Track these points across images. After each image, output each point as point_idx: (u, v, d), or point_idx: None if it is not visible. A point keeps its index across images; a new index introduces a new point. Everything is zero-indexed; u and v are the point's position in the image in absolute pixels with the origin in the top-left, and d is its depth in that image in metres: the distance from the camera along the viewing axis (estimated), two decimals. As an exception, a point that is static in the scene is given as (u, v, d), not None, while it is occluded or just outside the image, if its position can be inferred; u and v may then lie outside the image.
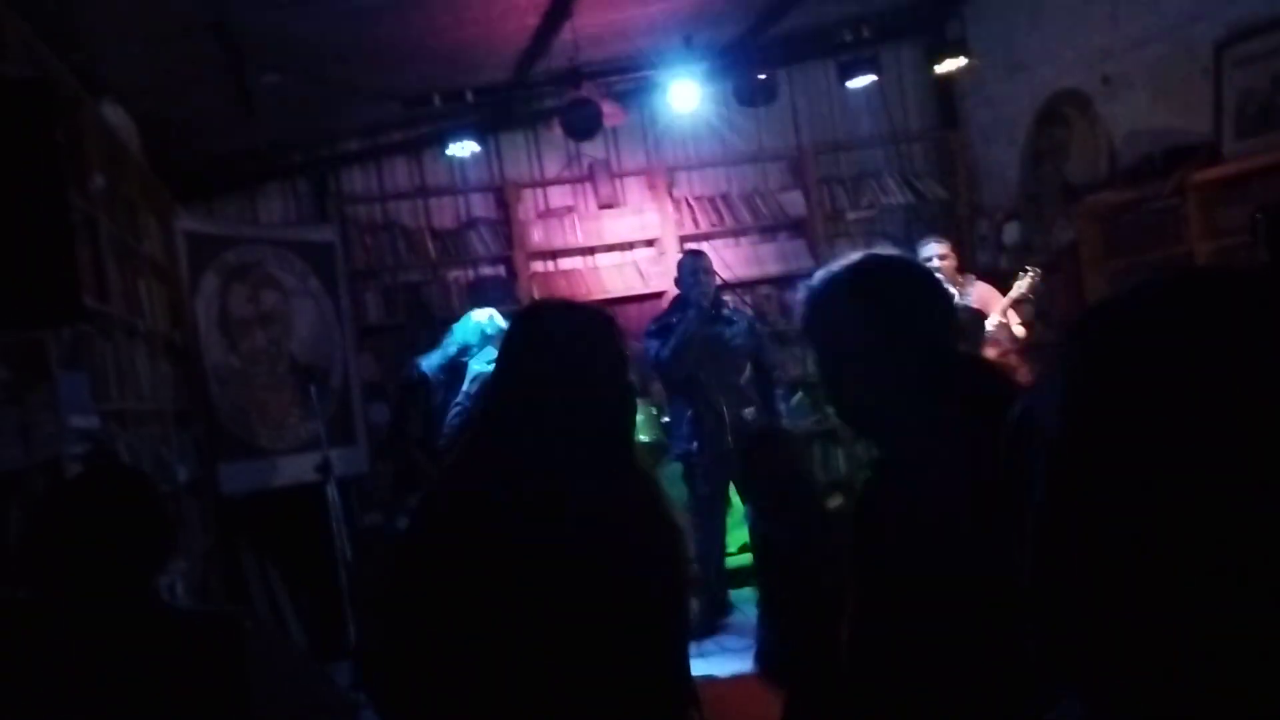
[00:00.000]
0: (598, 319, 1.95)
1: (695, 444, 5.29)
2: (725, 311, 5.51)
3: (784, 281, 7.07)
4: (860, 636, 1.64)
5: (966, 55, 6.34)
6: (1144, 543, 0.67)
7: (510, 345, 1.94)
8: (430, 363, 5.53)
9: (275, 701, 3.63)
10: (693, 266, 5.45)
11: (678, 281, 5.56)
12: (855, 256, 1.77)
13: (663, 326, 5.46)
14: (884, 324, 1.68)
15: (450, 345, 5.48)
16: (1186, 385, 0.68)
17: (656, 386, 5.84)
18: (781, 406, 5.67)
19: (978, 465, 1.61)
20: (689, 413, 5.31)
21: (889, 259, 1.81)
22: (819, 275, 1.78)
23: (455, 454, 1.99)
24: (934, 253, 5.53)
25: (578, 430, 1.81)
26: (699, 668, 3.94)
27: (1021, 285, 5.19)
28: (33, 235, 2.96)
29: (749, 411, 5.29)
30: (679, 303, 5.52)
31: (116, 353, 3.91)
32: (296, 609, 5.50)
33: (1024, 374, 4.62)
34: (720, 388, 5.26)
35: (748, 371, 5.42)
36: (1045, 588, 0.73)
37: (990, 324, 5.20)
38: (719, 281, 5.52)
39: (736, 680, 4.28)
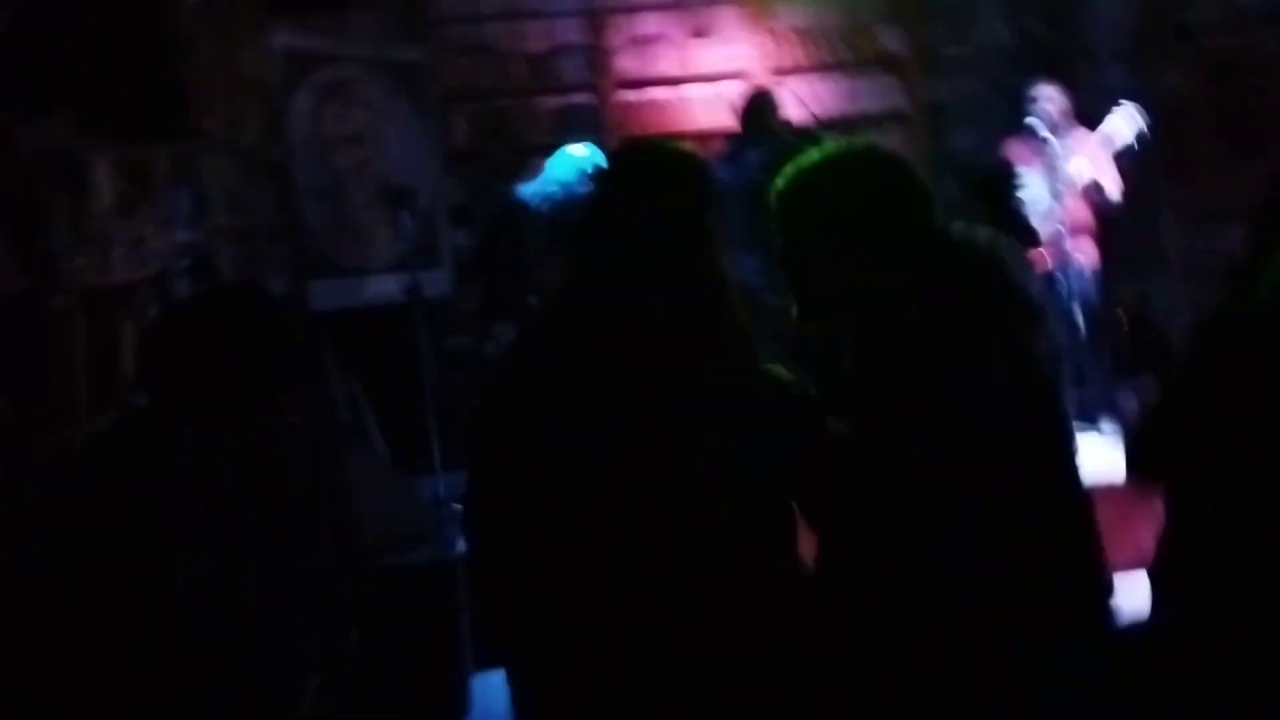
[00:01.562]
0: (688, 163, 1.93)
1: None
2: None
3: (876, 120, 6.91)
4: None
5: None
6: None
7: (600, 191, 1.93)
8: (530, 190, 5.52)
9: (371, 509, 3.84)
10: (759, 103, 5.46)
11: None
12: (831, 148, 1.81)
13: (731, 153, 5.44)
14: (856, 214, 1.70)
15: (550, 183, 5.45)
16: None
17: None
18: None
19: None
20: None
21: (863, 150, 1.81)
22: (790, 169, 1.79)
23: (546, 302, 1.98)
24: (1043, 94, 5.37)
25: (667, 280, 1.80)
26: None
27: (1123, 126, 5.03)
28: (141, 52, 3.01)
29: None
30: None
31: (215, 168, 3.99)
32: (381, 425, 5.69)
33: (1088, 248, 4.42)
34: None
35: None
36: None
37: (1081, 176, 5.05)
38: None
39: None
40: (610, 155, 1.98)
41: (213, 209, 3.85)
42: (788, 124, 5.51)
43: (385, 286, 5.75)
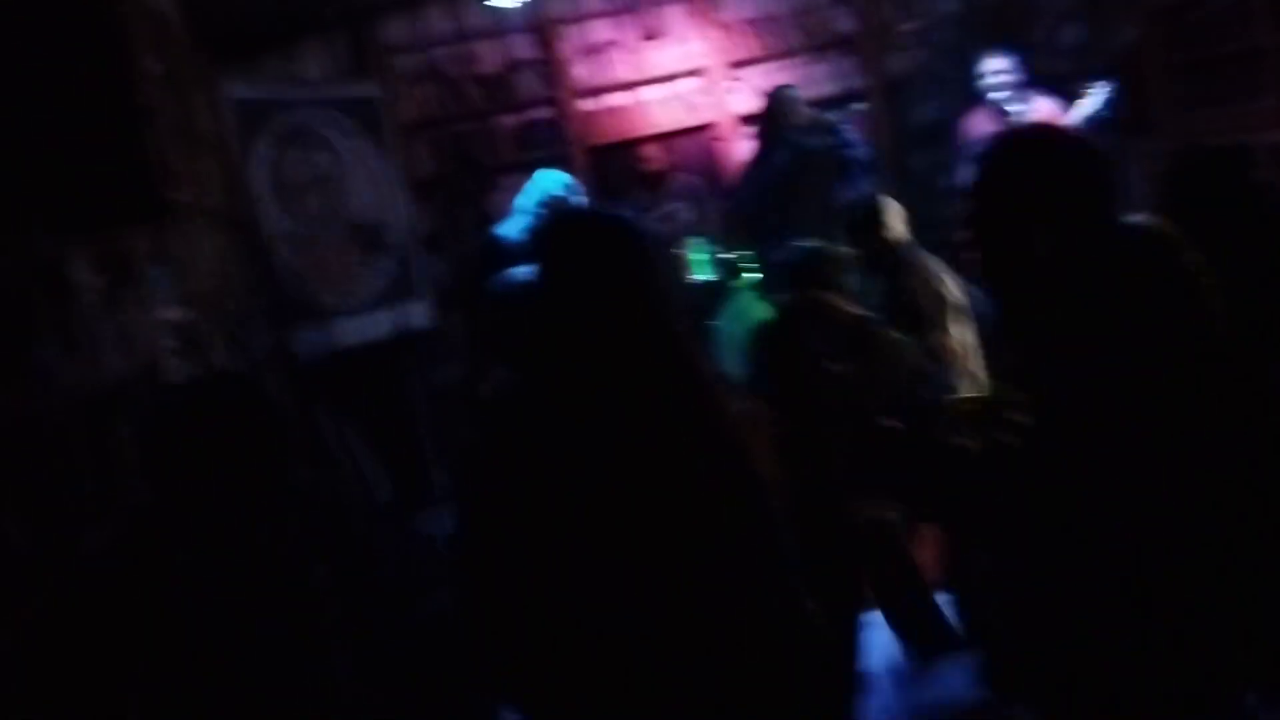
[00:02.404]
0: (622, 230, 1.95)
1: None
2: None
3: (836, 102, 6.91)
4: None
5: None
6: None
7: (545, 261, 1.94)
8: (506, 228, 5.51)
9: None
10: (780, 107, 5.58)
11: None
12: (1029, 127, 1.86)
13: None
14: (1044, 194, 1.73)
15: (524, 214, 5.43)
16: None
17: None
18: None
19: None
20: None
21: (1059, 135, 1.86)
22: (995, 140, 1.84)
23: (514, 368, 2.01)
24: (995, 67, 5.36)
25: (618, 343, 1.83)
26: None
27: (1093, 100, 5.04)
28: (105, 133, 2.97)
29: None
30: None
31: (188, 237, 3.95)
32: (381, 464, 5.67)
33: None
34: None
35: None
36: None
37: None
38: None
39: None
40: (545, 229, 2.00)
41: (192, 280, 3.81)
42: (812, 115, 5.56)
43: (365, 326, 5.72)
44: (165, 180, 3.58)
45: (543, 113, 6.75)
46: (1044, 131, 1.86)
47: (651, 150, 6.29)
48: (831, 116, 5.50)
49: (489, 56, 6.71)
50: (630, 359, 1.83)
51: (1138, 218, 1.79)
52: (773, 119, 5.51)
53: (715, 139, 6.79)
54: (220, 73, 5.61)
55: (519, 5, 6.33)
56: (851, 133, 5.49)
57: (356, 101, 6.11)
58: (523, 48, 6.72)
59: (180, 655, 2.03)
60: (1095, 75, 5.19)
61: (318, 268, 5.73)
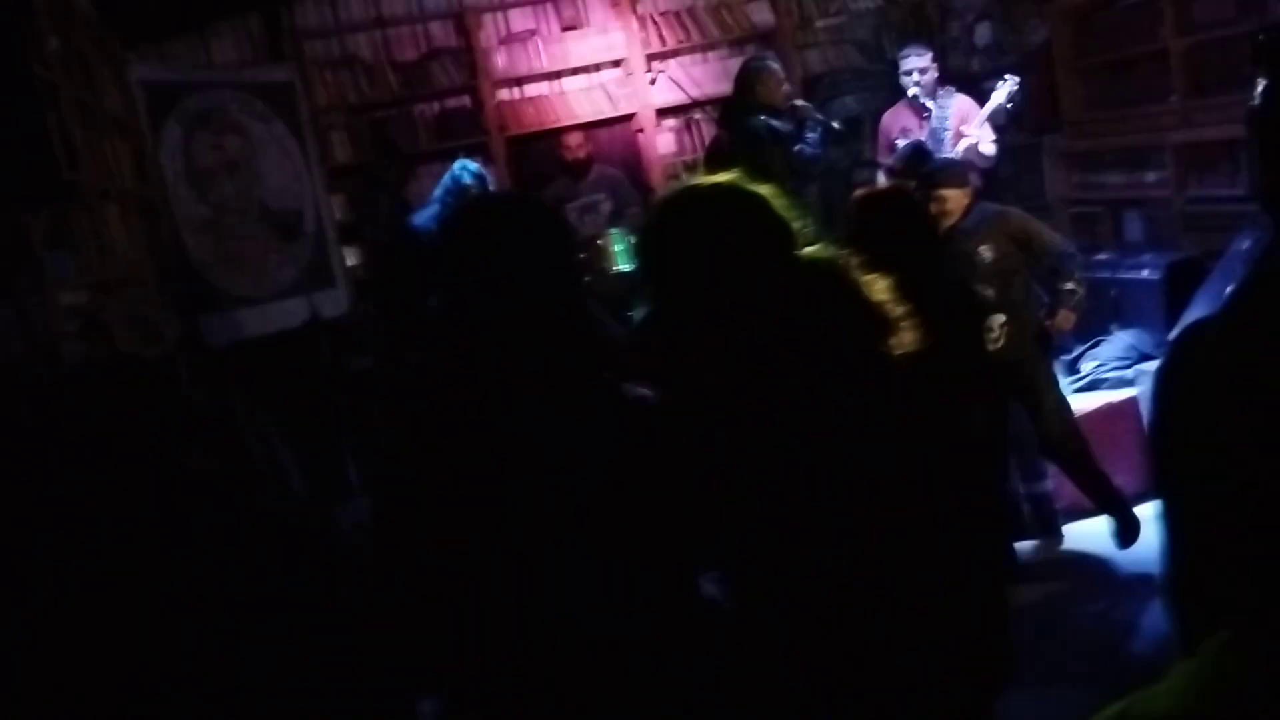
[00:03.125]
0: (535, 211, 1.95)
1: None
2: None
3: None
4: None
5: None
6: None
7: (454, 245, 1.93)
8: (422, 217, 5.46)
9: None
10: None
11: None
12: (677, 190, 1.92)
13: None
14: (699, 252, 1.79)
15: (436, 204, 5.39)
16: None
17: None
18: None
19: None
20: None
21: (706, 192, 1.87)
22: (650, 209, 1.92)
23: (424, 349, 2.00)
24: (915, 66, 5.44)
25: (528, 324, 1.83)
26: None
27: (1000, 95, 5.14)
28: (1, 111, 2.89)
29: None
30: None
31: (93, 220, 3.85)
32: (297, 454, 5.59)
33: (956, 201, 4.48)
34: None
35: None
36: None
37: (960, 148, 5.15)
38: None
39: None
40: (458, 211, 1.97)
41: (94, 264, 3.71)
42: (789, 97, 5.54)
43: (279, 314, 5.63)
44: (66, 161, 3.50)
45: (462, 101, 6.70)
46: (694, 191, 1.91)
47: (572, 140, 6.27)
48: (809, 107, 5.46)
49: (407, 43, 6.64)
50: (540, 340, 1.82)
51: (816, 249, 1.84)
52: (741, 93, 5.48)
53: (635, 130, 6.80)
54: (129, 54, 5.49)
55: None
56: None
57: (271, 86, 6.00)
58: (442, 35, 6.67)
59: (54, 640, 1.99)
60: (1006, 72, 5.29)
61: (230, 254, 5.62)
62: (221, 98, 5.75)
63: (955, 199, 4.27)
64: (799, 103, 5.51)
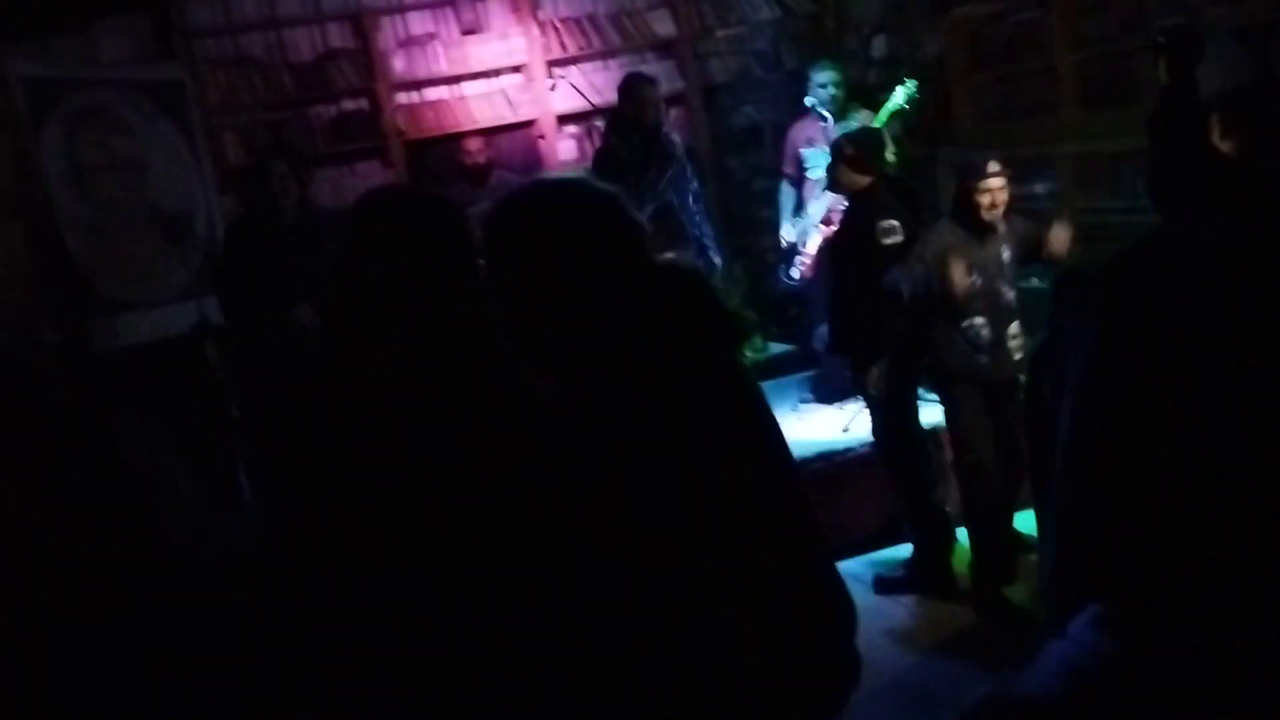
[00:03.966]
0: (438, 209, 1.89)
1: None
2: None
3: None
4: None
5: None
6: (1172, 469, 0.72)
7: (351, 237, 1.85)
8: None
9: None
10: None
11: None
12: (527, 184, 1.83)
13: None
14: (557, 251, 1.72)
15: None
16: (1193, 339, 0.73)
17: None
18: None
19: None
20: None
21: (556, 185, 1.84)
22: (495, 202, 1.81)
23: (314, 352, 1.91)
24: (827, 79, 5.54)
25: (425, 327, 1.77)
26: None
27: (898, 96, 5.23)
28: None
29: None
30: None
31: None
32: (188, 463, 5.42)
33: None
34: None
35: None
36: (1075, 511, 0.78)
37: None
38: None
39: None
40: (358, 204, 1.88)
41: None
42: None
43: (169, 319, 5.46)
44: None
45: (360, 104, 6.59)
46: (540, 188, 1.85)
47: (471, 145, 6.20)
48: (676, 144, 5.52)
49: (303, 44, 6.50)
50: (436, 338, 1.76)
51: (670, 256, 1.82)
52: (620, 106, 5.50)
53: (536, 136, 6.77)
54: (9, 49, 5.28)
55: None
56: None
57: (160, 85, 5.83)
58: (339, 37, 6.55)
59: None
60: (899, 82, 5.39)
61: (116, 257, 5.44)
62: (108, 96, 5.57)
63: (1007, 191, 4.08)
64: (674, 137, 5.54)
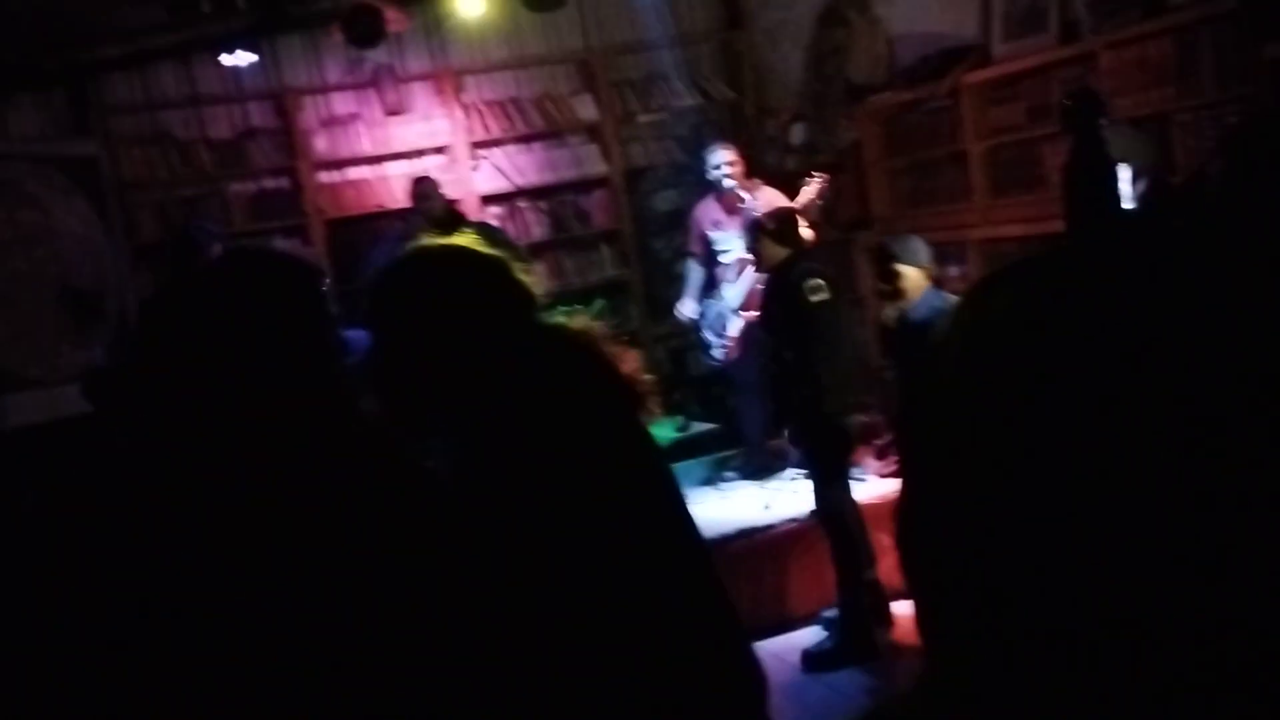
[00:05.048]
0: (296, 271, 1.72)
1: None
2: (464, 228, 5.50)
3: (578, 187, 7.06)
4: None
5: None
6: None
7: (201, 296, 1.64)
8: None
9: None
10: (422, 191, 5.69)
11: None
12: (410, 251, 1.79)
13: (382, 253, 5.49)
14: (437, 317, 1.69)
15: None
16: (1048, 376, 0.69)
17: None
18: None
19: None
20: None
21: (440, 252, 1.79)
22: (378, 272, 1.79)
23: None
24: (721, 159, 5.58)
25: (261, 385, 1.54)
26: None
27: (809, 191, 5.31)
28: None
29: None
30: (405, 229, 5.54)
31: None
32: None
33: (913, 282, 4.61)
34: None
35: None
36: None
37: None
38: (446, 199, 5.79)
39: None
40: (218, 262, 1.78)
41: None
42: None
43: (72, 399, 5.30)
44: None
45: (280, 182, 6.56)
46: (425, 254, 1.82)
47: (393, 224, 6.19)
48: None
49: (223, 122, 6.48)
50: (282, 400, 1.56)
51: (559, 320, 1.80)
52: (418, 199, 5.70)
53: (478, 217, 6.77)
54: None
55: (255, 68, 6.15)
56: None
57: (72, 160, 5.75)
58: (260, 115, 6.54)
59: None
60: (818, 170, 5.48)
61: (21, 334, 5.31)
62: (17, 170, 5.48)
63: (913, 279, 4.19)
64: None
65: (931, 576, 0.61)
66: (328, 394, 1.58)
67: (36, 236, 5.50)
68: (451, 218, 5.46)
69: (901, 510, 0.62)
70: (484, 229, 5.46)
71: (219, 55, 5.97)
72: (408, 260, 1.78)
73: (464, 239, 1.80)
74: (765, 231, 4.52)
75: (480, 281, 1.73)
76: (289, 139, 6.48)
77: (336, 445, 1.55)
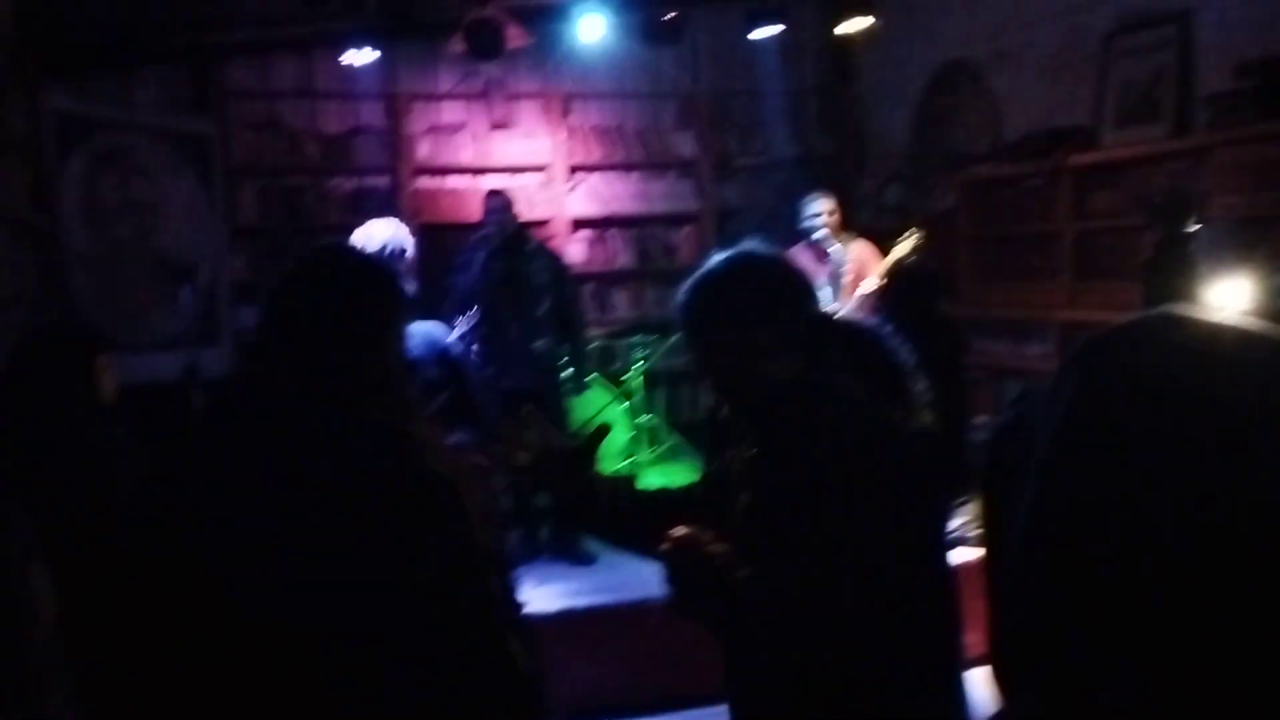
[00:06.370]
0: (372, 270, 1.91)
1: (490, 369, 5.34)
2: (527, 248, 5.53)
3: (668, 220, 7.12)
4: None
5: (870, 14, 6.37)
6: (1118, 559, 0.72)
7: (281, 288, 1.85)
8: None
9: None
10: (498, 207, 5.56)
11: (484, 219, 5.67)
12: (727, 253, 1.98)
13: (465, 261, 5.53)
14: (758, 310, 1.89)
15: None
16: (1168, 424, 0.73)
17: None
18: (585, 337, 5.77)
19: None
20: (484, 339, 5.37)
21: (756, 255, 2.00)
22: (697, 273, 1.96)
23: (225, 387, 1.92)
24: (819, 209, 5.60)
25: (329, 378, 1.76)
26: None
27: (905, 246, 5.31)
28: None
29: (541, 343, 5.39)
30: (480, 239, 5.58)
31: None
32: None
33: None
34: (517, 319, 5.38)
35: (546, 305, 5.48)
36: (1019, 587, 0.78)
37: (868, 287, 5.31)
38: (519, 220, 5.64)
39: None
40: (299, 258, 1.92)
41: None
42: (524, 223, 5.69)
43: (156, 365, 5.46)
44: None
45: (380, 181, 6.70)
46: None
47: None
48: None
49: (334, 116, 6.65)
50: (342, 390, 1.75)
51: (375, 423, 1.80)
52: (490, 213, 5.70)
53: (548, 236, 6.86)
54: (47, 81, 5.39)
55: (371, 68, 6.29)
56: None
57: (187, 136, 5.94)
58: (369, 114, 6.70)
59: None
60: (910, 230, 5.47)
61: (115, 296, 5.47)
62: (134, 140, 5.67)
63: None
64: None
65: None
66: (385, 382, 1.80)
67: (142, 206, 5.67)
68: (520, 235, 5.51)
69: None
70: (543, 253, 5.55)
71: (339, 52, 6.12)
72: (722, 263, 1.96)
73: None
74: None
75: (784, 280, 1.95)
76: (394, 141, 6.63)
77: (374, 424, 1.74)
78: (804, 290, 1.99)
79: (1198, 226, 3.28)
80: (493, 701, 1.72)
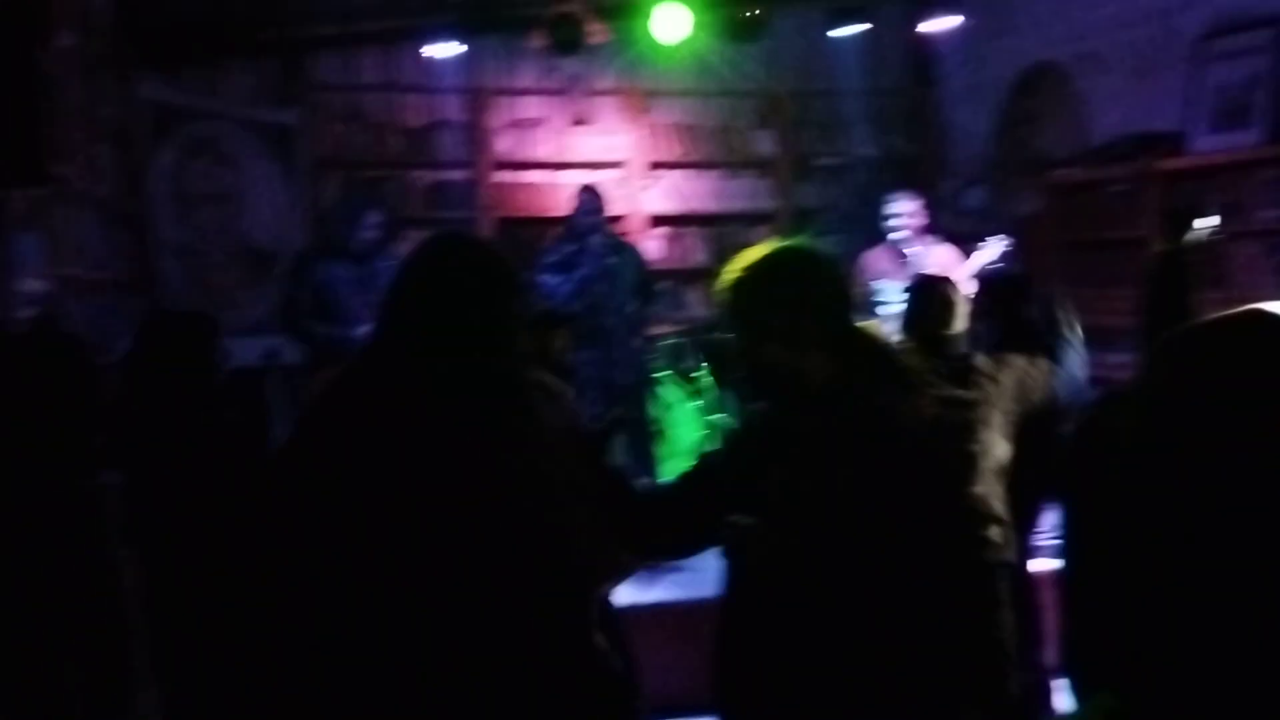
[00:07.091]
0: (489, 258, 1.99)
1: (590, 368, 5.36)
2: (622, 246, 5.55)
3: (745, 219, 7.09)
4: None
5: (957, 13, 6.29)
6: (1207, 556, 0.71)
7: (406, 273, 1.96)
8: None
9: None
10: (592, 204, 5.51)
11: (575, 214, 5.67)
12: (770, 247, 2.05)
13: (564, 261, 5.52)
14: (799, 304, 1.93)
15: None
16: (1259, 418, 0.72)
17: None
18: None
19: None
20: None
21: (799, 249, 2.07)
22: (740, 264, 2.03)
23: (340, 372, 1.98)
24: (901, 209, 5.55)
25: (457, 357, 1.85)
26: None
27: (990, 252, 5.23)
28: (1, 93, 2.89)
29: (636, 340, 5.41)
30: (572, 235, 5.56)
31: (70, 217, 3.84)
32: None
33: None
34: (615, 316, 5.38)
35: (637, 302, 5.49)
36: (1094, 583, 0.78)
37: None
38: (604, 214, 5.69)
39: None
40: (423, 242, 2.01)
41: (64, 258, 3.68)
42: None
43: (239, 350, 5.57)
44: (52, 152, 3.50)
45: (460, 175, 6.77)
46: None
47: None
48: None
49: (416, 110, 6.73)
50: (462, 371, 1.81)
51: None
52: (590, 211, 5.67)
53: (623, 233, 6.87)
54: (141, 69, 5.53)
55: (453, 63, 6.34)
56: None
57: (274, 126, 6.06)
58: (451, 109, 6.76)
59: None
60: (989, 235, 5.40)
61: (199, 281, 5.60)
62: (223, 129, 5.80)
63: None
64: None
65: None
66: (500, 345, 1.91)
67: (227, 194, 5.80)
68: (612, 232, 5.54)
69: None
70: (617, 243, 5.55)
71: (422, 46, 6.19)
72: (770, 255, 2.02)
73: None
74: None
75: (831, 272, 2.02)
76: (474, 135, 6.69)
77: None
78: (841, 293, 2.03)
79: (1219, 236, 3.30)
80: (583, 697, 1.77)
